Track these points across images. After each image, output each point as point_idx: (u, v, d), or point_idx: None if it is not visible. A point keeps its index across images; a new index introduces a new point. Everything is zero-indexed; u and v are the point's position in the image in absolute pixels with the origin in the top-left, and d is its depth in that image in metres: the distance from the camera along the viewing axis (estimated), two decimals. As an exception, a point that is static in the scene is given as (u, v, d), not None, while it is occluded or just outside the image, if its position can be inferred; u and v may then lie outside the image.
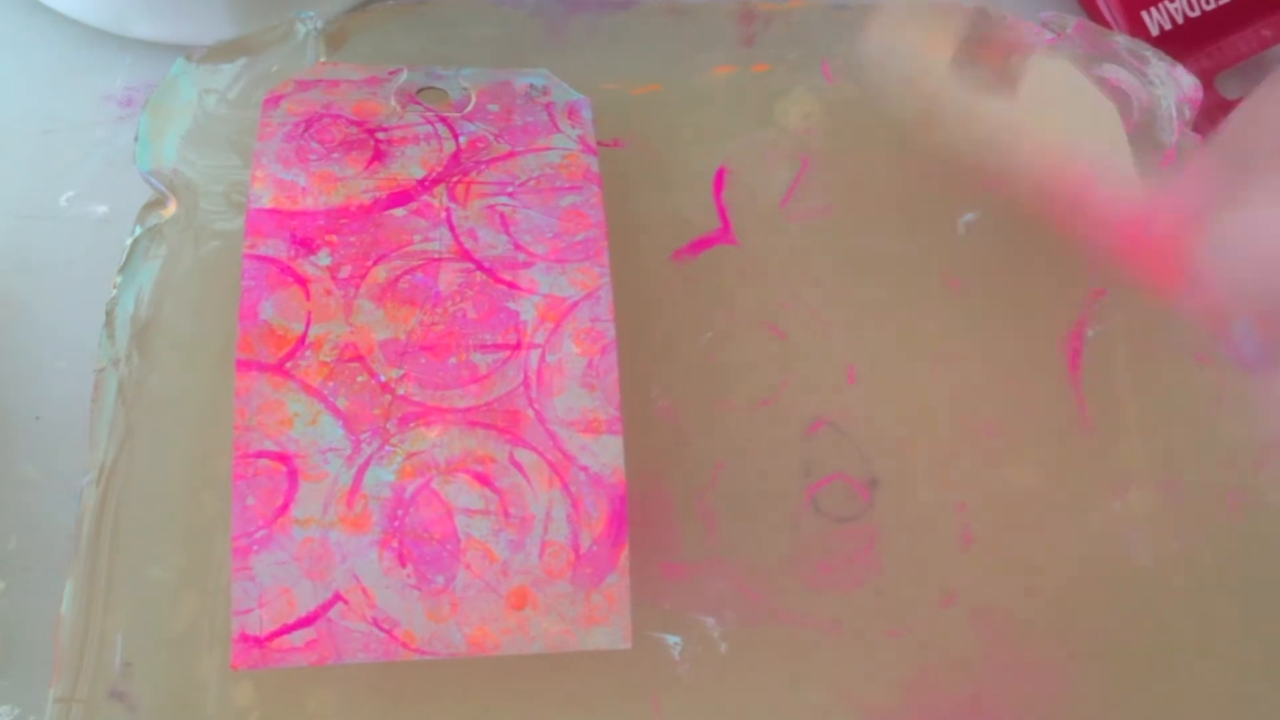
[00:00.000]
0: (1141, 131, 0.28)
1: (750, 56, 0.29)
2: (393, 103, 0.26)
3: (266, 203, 0.24)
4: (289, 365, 0.23)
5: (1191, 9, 0.32)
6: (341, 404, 0.22)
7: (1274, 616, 0.24)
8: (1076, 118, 0.28)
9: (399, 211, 0.24)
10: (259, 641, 0.21)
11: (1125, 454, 0.25)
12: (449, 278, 0.24)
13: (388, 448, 0.22)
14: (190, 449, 0.24)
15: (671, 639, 0.23)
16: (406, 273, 0.24)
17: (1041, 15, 0.30)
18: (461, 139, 0.26)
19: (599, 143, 0.26)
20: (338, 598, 0.21)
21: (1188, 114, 0.28)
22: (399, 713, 0.23)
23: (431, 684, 0.23)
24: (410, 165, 0.25)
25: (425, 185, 0.25)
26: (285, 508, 0.22)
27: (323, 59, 0.28)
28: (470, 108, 0.27)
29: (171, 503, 0.23)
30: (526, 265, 0.24)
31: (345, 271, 0.24)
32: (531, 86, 0.27)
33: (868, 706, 0.23)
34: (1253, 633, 0.24)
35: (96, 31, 0.31)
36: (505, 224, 0.25)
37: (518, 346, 0.23)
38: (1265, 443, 0.26)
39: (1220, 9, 0.33)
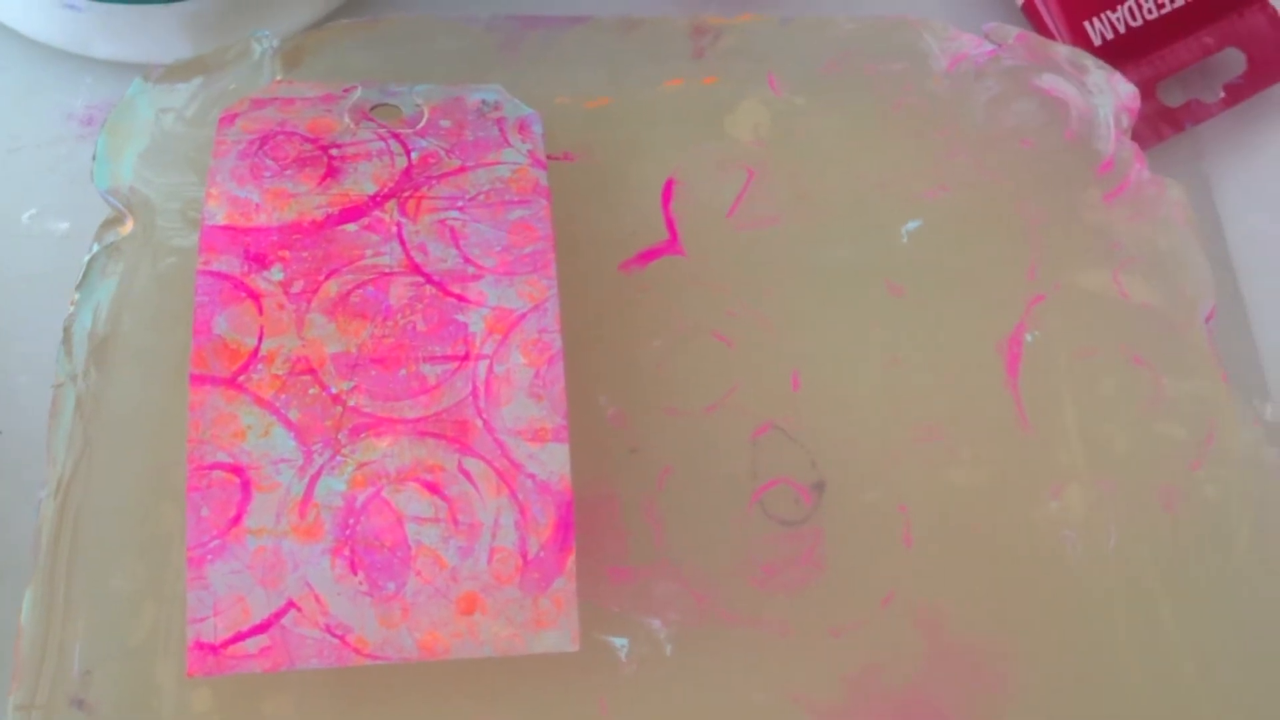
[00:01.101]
0: (1079, 140, 0.29)
1: (700, 70, 0.30)
2: (346, 120, 0.27)
3: (220, 219, 0.25)
4: (242, 379, 0.23)
5: (1134, 18, 0.33)
6: (293, 416, 0.23)
7: (1207, 611, 0.25)
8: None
9: (351, 227, 0.25)
10: (214, 649, 0.22)
11: (1062, 454, 0.26)
12: (399, 291, 0.24)
13: (339, 458, 0.23)
14: (147, 462, 0.24)
15: (618, 641, 0.24)
16: (358, 287, 0.24)
17: (984, 26, 0.30)
18: (413, 154, 0.26)
19: (549, 156, 0.27)
20: (290, 605, 0.22)
21: (1125, 123, 0.29)
22: (354, 717, 0.23)
23: (385, 689, 0.23)
24: (362, 181, 0.26)
25: (377, 201, 0.25)
26: (239, 518, 0.22)
27: (279, 77, 0.29)
28: (423, 124, 0.27)
29: (130, 514, 0.24)
30: (475, 278, 0.25)
31: (297, 286, 0.24)
32: (483, 102, 0.28)
33: (812, 705, 0.24)
34: (1187, 628, 0.25)
35: (58, 51, 0.31)
36: (455, 238, 0.25)
37: (466, 358, 0.24)
38: (1199, 441, 0.26)
39: (1162, 18, 0.33)
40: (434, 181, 0.26)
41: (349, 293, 0.24)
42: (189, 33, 0.31)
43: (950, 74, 0.30)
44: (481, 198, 0.26)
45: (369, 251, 0.25)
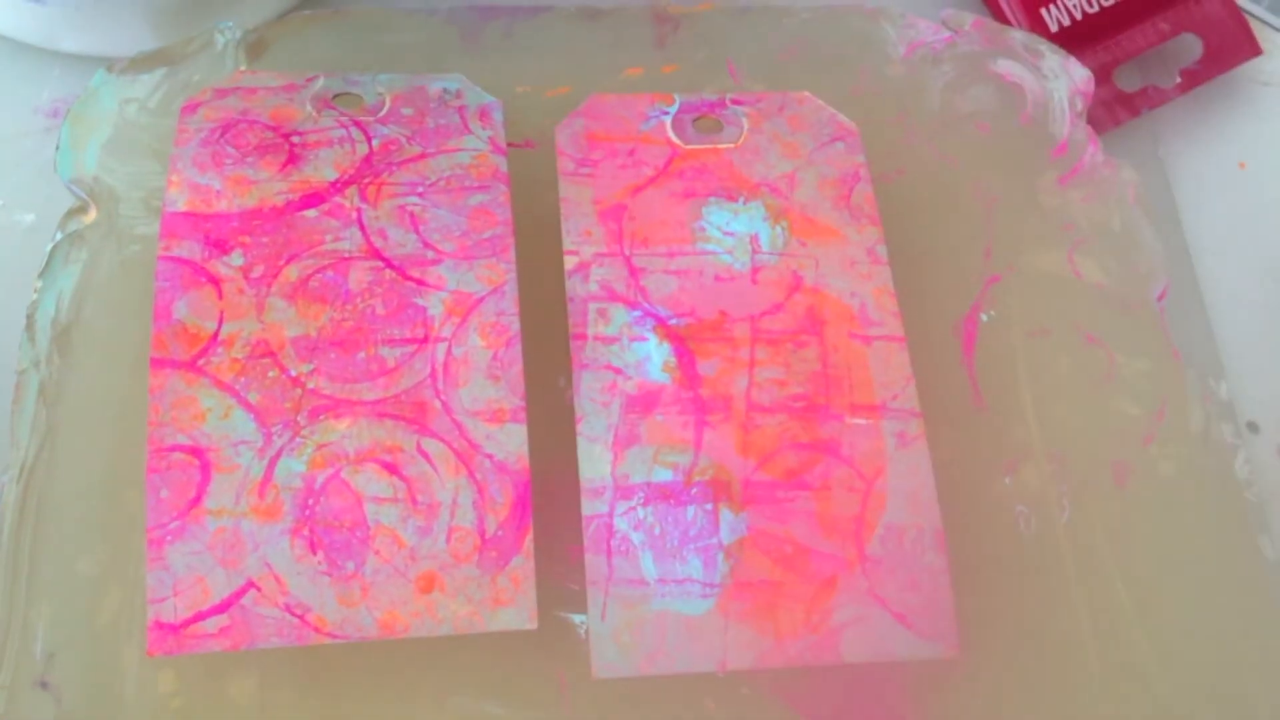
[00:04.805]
0: (1035, 124, 0.30)
1: (660, 58, 0.30)
2: (309, 108, 0.27)
3: (181, 206, 0.25)
4: (201, 362, 0.23)
5: (1090, 4, 0.34)
6: (253, 398, 0.23)
7: (1159, 583, 0.25)
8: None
9: (311, 213, 0.25)
10: (174, 629, 0.22)
11: (1017, 431, 0.26)
12: (359, 276, 0.25)
13: (298, 439, 0.23)
14: (111, 447, 0.24)
15: (578, 618, 0.24)
16: (317, 271, 0.25)
17: (941, 13, 0.31)
18: (374, 141, 0.27)
19: (510, 144, 0.27)
20: (250, 585, 0.22)
21: (1080, 106, 0.30)
22: (316, 697, 0.23)
23: (347, 669, 0.24)
24: (323, 168, 0.26)
25: (337, 187, 0.26)
26: (198, 499, 0.23)
27: (242, 68, 0.29)
28: (384, 111, 0.27)
29: (93, 499, 0.24)
30: (435, 262, 0.25)
31: (257, 271, 0.24)
32: (445, 90, 0.28)
33: (767, 677, 0.24)
34: (1139, 600, 0.25)
35: (25, 46, 0.32)
36: (414, 223, 0.25)
37: (425, 340, 0.24)
38: (1151, 417, 0.27)
39: (1118, 4, 0.34)
40: (395, 168, 0.26)
41: (309, 277, 0.25)
42: (155, 25, 0.31)
43: (907, 60, 0.30)
44: (442, 183, 0.26)
45: (329, 237, 0.25)
